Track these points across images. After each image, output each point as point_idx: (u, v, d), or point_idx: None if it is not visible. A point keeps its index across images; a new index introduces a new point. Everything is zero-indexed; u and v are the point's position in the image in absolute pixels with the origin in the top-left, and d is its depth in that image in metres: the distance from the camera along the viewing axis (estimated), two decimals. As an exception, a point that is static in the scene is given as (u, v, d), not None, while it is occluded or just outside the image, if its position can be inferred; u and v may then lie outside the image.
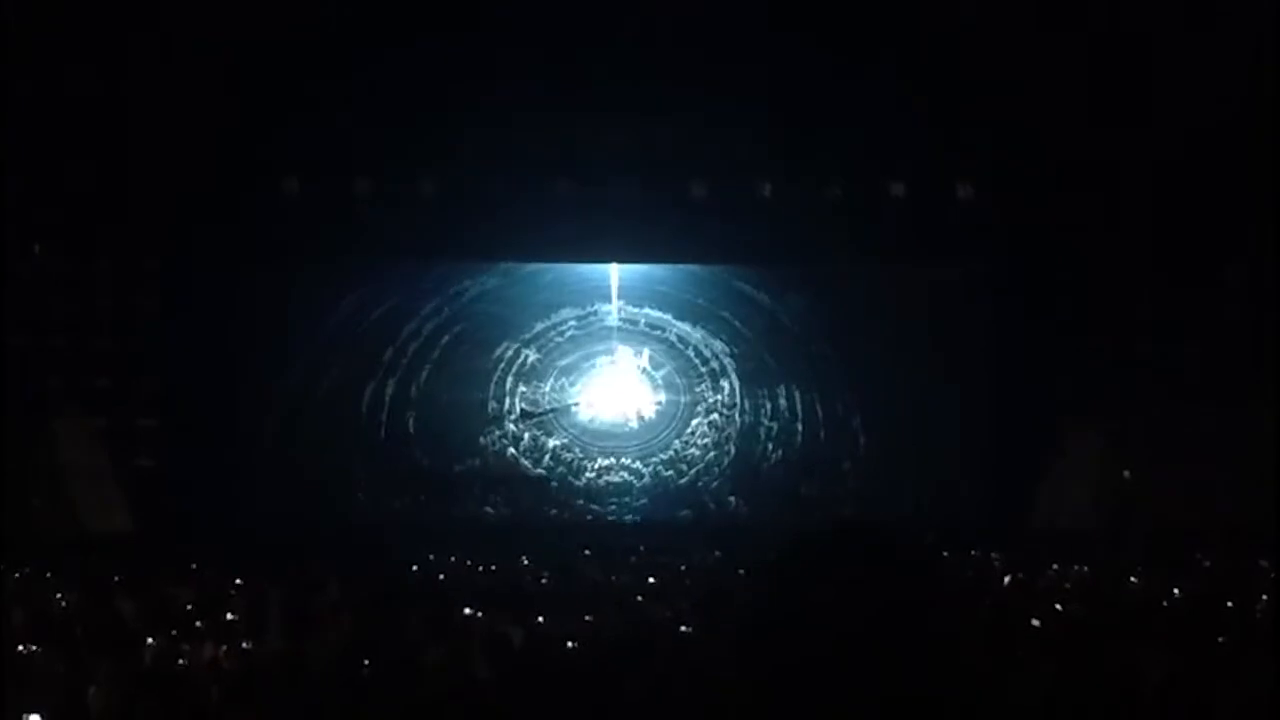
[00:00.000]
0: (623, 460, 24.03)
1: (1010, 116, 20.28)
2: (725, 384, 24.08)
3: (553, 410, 23.93)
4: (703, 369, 24.10)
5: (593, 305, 23.92)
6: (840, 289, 23.20)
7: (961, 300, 22.47)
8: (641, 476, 23.99)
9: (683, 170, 21.70)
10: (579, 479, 23.97)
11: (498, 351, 23.82)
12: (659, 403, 24.16)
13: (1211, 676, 6.70)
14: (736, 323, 23.85)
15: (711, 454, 24.09)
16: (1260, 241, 20.17)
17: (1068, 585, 13.78)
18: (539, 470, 23.95)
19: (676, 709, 5.75)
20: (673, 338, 24.10)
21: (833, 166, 21.63)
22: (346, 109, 20.54)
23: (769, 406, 23.96)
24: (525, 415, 23.87)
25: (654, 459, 24.04)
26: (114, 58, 19.82)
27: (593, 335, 24.01)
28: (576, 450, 24.07)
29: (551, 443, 24.04)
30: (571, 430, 24.13)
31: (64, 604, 12.00)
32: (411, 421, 23.60)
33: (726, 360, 24.08)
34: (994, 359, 22.03)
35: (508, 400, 23.94)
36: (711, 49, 20.07)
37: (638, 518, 23.58)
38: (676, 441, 24.11)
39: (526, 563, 17.08)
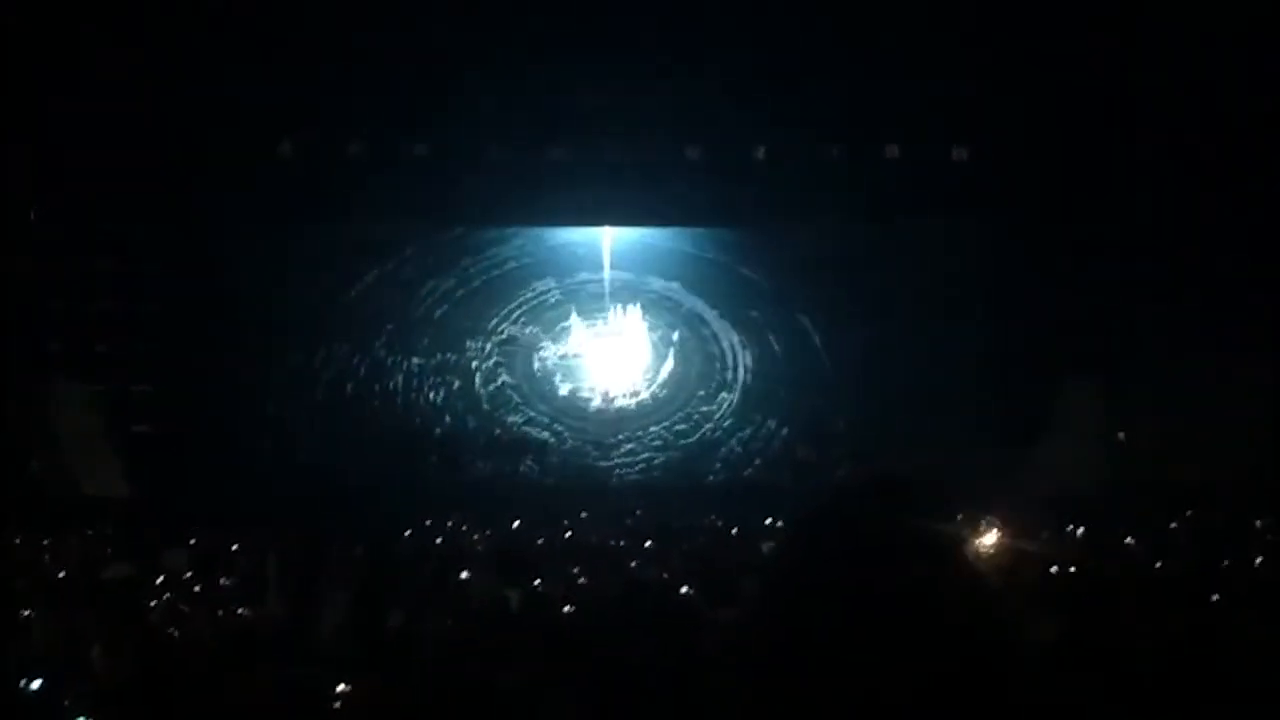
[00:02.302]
0: (556, 425, 23.87)
1: (1007, 76, 20.21)
2: (726, 397, 23.93)
3: (519, 343, 23.74)
4: (716, 376, 23.93)
5: (647, 277, 23.81)
6: (834, 249, 23.12)
7: (956, 260, 22.43)
8: (564, 442, 23.84)
9: (677, 133, 21.67)
10: (501, 421, 23.84)
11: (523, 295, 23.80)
12: (638, 393, 23.95)
13: (1208, 636, 6.73)
14: (776, 344, 23.79)
15: (648, 457, 24.04)
16: (1260, 194, 20.16)
17: (1063, 547, 13.81)
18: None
19: (677, 669, 5.78)
20: (706, 334, 23.96)
21: (827, 129, 21.59)
22: (341, 73, 20.46)
23: (754, 428, 23.90)
24: (507, 341, 23.75)
25: (582, 437, 23.93)
26: (110, 21, 19.71)
27: (609, 300, 23.84)
28: (516, 394, 23.92)
29: (503, 378, 23.86)
30: (532, 380, 23.91)
31: (63, 568, 12.04)
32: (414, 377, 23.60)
33: (741, 374, 23.95)
34: (987, 319, 22.05)
35: (505, 328, 23.80)
36: (704, 10, 20.00)
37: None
38: (621, 435, 24.01)
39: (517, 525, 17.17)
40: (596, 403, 23.89)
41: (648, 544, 14.34)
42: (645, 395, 23.90)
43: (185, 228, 22.06)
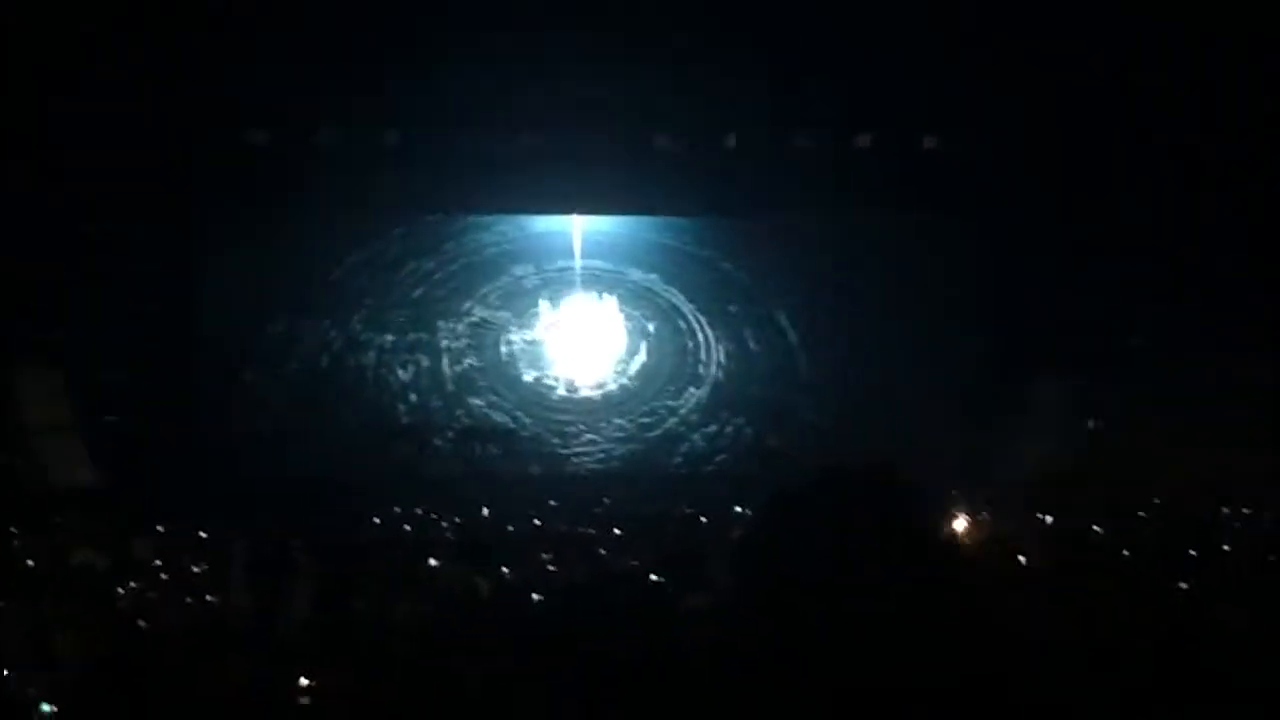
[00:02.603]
0: (517, 412, 23.68)
1: (981, 65, 20.17)
2: (694, 391, 23.81)
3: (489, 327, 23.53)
4: (687, 370, 23.85)
5: (626, 269, 23.69)
6: (805, 240, 23.10)
7: (938, 254, 22.44)
8: (523, 428, 23.65)
9: (647, 121, 21.61)
10: (447, 417, 23.75)
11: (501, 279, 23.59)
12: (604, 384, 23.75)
13: (1173, 626, 6.76)
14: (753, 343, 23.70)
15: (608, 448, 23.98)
16: (1240, 193, 20.19)
17: (1036, 536, 13.84)
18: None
19: (648, 656, 5.76)
20: (681, 325, 23.83)
21: (798, 117, 21.56)
22: (311, 61, 20.33)
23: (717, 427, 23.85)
24: (480, 324, 23.56)
25: (529, 429, 23.87)
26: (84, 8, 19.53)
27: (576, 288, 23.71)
28: (488, 380, 23.71)
29: (469, 361, 23.71)
30: (497, 362, 23.76)
31: (30, 559, 11.97)
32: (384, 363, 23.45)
33: (713, 368, 23.85)
34: (965, 312, 22.10)
35: (475, 308, 23.64)
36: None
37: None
38: (581, 427, 23.84)
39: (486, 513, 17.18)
40: (562, 391, 23.79)
41: (617, 531, 14.37)
42: (613, 386, 23.79)
43: (152, 217, 21.89)
